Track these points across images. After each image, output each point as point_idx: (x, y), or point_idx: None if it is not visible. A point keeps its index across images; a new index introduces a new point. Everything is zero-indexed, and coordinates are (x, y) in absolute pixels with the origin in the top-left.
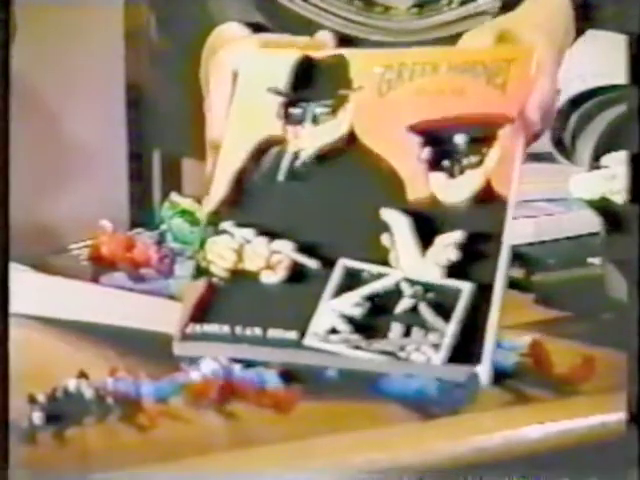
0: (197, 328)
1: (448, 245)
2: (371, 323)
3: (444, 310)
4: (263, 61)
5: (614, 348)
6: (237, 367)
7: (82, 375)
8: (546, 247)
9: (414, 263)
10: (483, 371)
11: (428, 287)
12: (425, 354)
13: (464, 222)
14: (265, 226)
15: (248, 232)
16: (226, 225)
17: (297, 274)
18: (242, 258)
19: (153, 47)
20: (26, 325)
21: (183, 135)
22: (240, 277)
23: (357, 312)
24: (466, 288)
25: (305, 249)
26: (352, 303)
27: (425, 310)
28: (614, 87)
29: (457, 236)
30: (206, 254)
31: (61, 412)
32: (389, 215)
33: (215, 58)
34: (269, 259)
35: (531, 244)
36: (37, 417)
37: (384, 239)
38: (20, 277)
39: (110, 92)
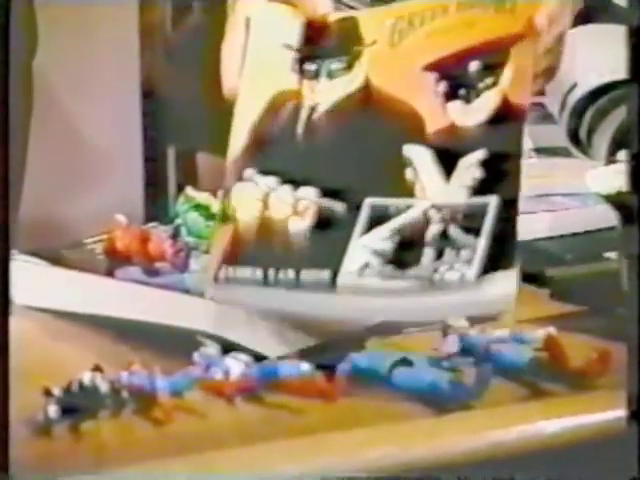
0: (230, 272)
1: (471, 165)
2: (403, 255)
3: (473, 229)
4: (274, 14)
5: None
6: (268, 362)
7: (97, 369)
8: (562, 241)
9: (440, 189)
10: (513, 276)
11: (456, 209)
12: (458, 271)
13: (485, 143)
14: (288, 174)
15: (272, 180)
16: (249, 173)
17: (324, 220)
18: (268, 206)
19: (168, 43)
20: (42, 319)
21: (198, 130)
22: (267, 225)
23: (388, 246)
24: (493, 201)
25: (330, 195)
26: (382, 237)
27: (455, 231)
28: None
29: (479, 155)
30: (231, 202)
31: (76, 405)
32: (411, 150)
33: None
34: (295, 206)
35: (547, 238)
36: (52, 410)
37: (408, 173)
38: (36, 271)
39: (125, 88)
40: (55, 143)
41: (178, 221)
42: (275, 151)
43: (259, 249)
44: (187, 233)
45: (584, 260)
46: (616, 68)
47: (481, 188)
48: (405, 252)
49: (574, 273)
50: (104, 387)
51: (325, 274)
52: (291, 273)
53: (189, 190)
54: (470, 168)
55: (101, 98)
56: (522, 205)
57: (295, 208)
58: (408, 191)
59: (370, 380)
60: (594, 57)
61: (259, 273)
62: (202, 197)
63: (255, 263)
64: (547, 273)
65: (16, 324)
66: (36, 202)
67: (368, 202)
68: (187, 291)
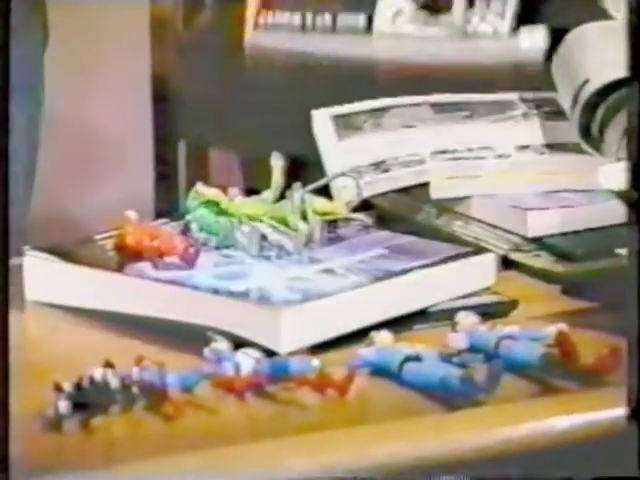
0: (269, 18)
1: None
2: (435, 1)
3: None
4: None
5: None
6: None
7: (108, 364)
8: (573, 238)
9: None
10: (542, 31)
11: None
12: (491, 24)
13: None
14: None
15: None
16: None
17: None
18: None
19: (179, 39)
20: (52, 314)
21: (209, 125)
22: None
23: None
24: None
25: None
26: None
27: None
28: None
29: None
30: None
31: (87, 401)
32: None
33: None
34: None
35: (558, 235)
36: (63, 406)
37: None
38: (47, 267)
39: (136, 84)
40: (66, 139)
41: (189, 217)
42: None
43: None
44: (197, 229)
45: (595, 256)
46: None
47: None
48: None
49: (585, 269)
50: (115, 383)
51: (360, 19)
52: (328, 18)
53: (200, 186)
54: None
55: (112, 94)
56: (533, 202)
57: None
58: None
59: (380, 376)
60: (607, 53)
61: (297, 18)
62: (213, 193)
63: (292, 8)
64: (558, 269)
65: (27, 320)
66: (47, 198)
67: None
68: (196, 287)
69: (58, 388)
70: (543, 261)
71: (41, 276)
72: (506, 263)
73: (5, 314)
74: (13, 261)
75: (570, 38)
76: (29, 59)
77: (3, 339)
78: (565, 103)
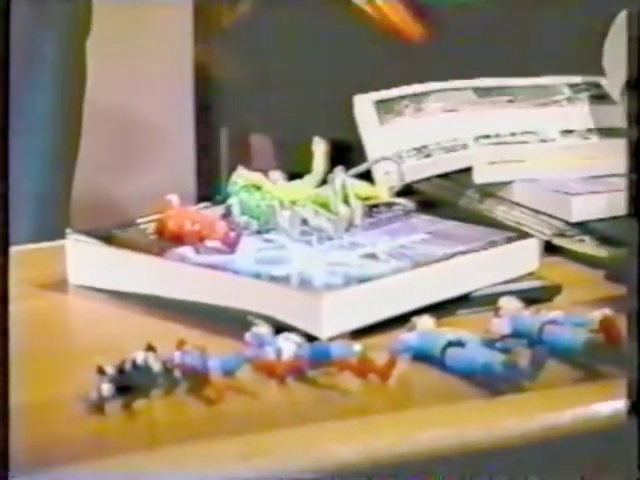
0: None
1: None
2: None
3: None
4: None
5: None
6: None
7: (150, 348)
8: (618, 222)
9: None
10: None
11: None
12: None
13: None
14: None
15: None
16: None
17: None
18: None
19: (222, 26)
20: (96, 298)
21: (251, 111)
22: None
23: None
24: None
25: None
26: None
27: None
28: None
29: None
30: None
31: (129, 384)
32: None
33: None
34: None
35: (604, 220)
36: (106, 389)
37: None
38: (89, 250)
39: (179, 70)
40: (110, 126)
41: (230, 201)
42: None
43: None
44: (239, 213)
45: None
46: None
47: None
48: None
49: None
50: (157, 366)
51: None
52: None
53: (241, 170)
54: None
55: (155, 79)
56: (576, 186)
57: None
58: None
59: (422, 361)
60: None
61: None
62: (254, 177)
63: None
64: (602, 254)
65: (70, 303)
66: (91, 183)
67: None
68: (238, 272)
69: (101, 371)
70: (587, 246)
71: (84, 260)
72: (549, 248)
73: (5, 307)
74: (56, 244)
75: (621, 21)
76: (64, 39)
77: (3, 333)
78: (614, 89)
